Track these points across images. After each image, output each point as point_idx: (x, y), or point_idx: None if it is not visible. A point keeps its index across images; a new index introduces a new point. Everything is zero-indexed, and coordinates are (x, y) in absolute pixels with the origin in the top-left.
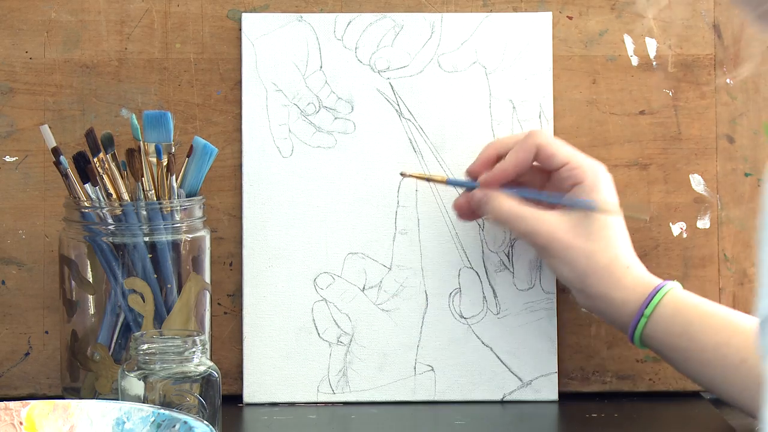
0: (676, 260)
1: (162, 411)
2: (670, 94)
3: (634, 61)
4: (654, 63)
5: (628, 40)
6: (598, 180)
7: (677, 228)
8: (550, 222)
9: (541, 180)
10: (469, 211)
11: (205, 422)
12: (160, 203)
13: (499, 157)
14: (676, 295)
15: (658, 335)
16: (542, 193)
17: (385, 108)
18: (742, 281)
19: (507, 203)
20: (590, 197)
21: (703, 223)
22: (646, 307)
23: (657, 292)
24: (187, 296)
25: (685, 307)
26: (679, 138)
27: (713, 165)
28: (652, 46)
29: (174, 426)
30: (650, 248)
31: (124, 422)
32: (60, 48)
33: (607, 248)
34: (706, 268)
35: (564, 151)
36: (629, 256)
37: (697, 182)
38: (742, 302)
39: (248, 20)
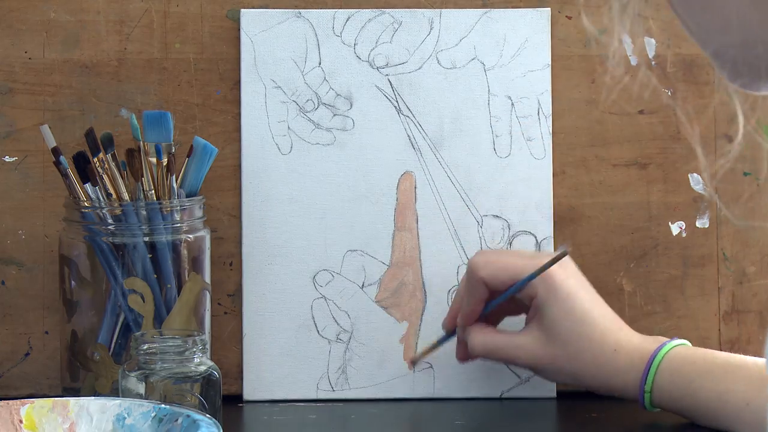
0: (675, 259)
1: (162, 405)
2: (669, 93)
3: (633, 60)
4: (653, 62)
5: (627, 40)
6: (551, 286)
7: (676, 227)
8: (525, 345)
9: None
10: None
11: (209, 416)
12: (160, 203)
13: None
14: (671, 360)
15: (664, 402)
16: (504, 294)
17: (384, 104)
18: (741, 280)
19: (480, 339)
20: (546, 305)
21: (702, 223)
22: (645, 384)
23: (650, 365)
24: (187, 296)
25: (682, 368)
26: (678, 137)
27: (712, 164)
28: (651, 46)
29: (176, 420)
30: (649, 248)
31: (125, 418)
32: (59, 48)
33: (588, 344)
34: (705, 267)
35: (507, 275)
36: (613, 340)
37: (696, 182)
38: (741, 301)
39: (247, 16)
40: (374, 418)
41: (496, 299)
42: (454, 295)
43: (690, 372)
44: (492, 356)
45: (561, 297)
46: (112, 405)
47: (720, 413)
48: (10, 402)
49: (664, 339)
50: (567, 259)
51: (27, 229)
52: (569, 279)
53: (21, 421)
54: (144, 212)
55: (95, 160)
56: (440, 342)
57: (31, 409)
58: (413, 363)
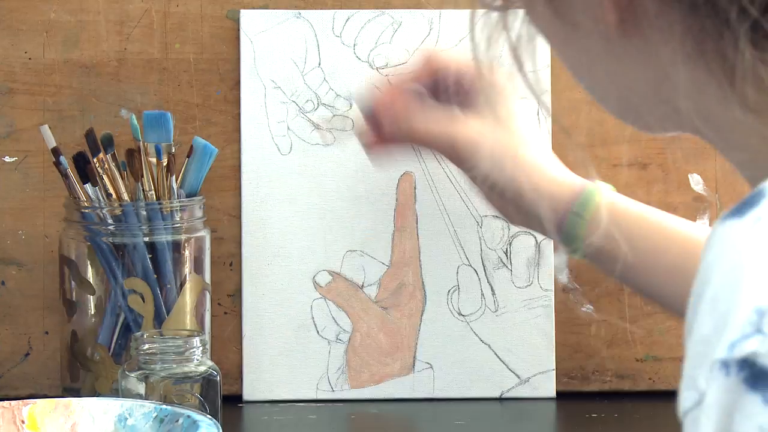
0: None
1: (164, 406)
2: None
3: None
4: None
5: None
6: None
7: None
8: (467, 120)
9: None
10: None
11: (209, 416)
12: (160, 203)
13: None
14: (609, 196)
15: (595, 237)
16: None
17: None
18: None
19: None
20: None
21: (702, 223)
22: (579, 206)
23: (587, 190)
24: (187, 296)
25: (620, 209)
26: (678, 137)
27: (712, 164)
28: None
29: (177, 420)
30: None
31: (126, 418)
32: (59, 48)
33: (530, 137)
34: None
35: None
36: (553, 161)
37: (696, 182)
38: None
39: (247, 17)
40: (374, 418)
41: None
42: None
43: (627, 216)
44: (425, 137)
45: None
46: (113, 405)
47: (650, 271)
48: (13, 402)
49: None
50: None
51: (27, 229)
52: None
53: (23, 422)
54: (144, 212)
55: (95, 160)
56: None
57: (33, 410)
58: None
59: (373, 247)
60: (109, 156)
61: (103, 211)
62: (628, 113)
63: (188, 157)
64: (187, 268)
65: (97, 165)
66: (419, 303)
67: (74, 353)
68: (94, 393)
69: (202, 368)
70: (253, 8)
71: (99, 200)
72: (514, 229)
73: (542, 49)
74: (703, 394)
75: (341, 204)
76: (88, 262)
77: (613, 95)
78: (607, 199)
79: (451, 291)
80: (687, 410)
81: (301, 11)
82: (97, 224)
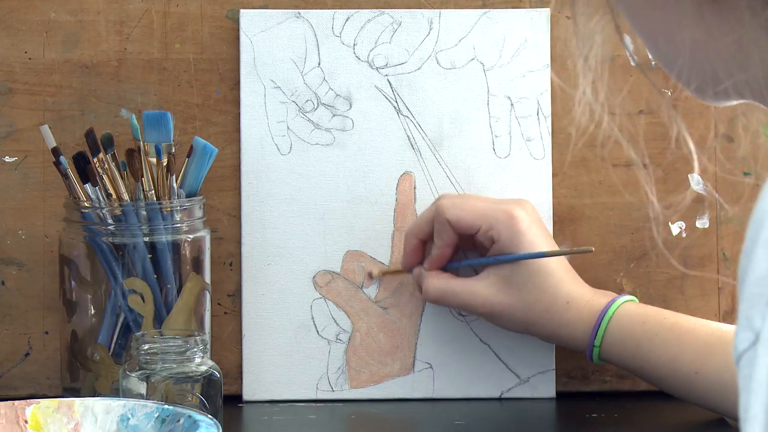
0: (675, 260)
1: (166, 406)
2: (669, 93)
3: (633, 60)
4: (653, 63)
5: (627, 40)
6: (514, 231)
7: (676, 227)
8: (480, 291)
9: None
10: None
11: (209, 416)
12: (160, 203)
13: (423, 241)
14: (621, 318)
15: (613, 359)
16: (477, 259)
17: (384, 105)
18: None
19: (435, 283)
20: (511, 250)
21: (702, 223)
22: (595, 338)
23: (600, 321)
24: (187, 296)
25: (632, 328)
26: (678, 137)
27: (712, 164)
28: None
29: (179, 420)
30: (649, 248)
31: (129, 418)
32: (59, 48)
33: (542, 294)
34: (705, 267)
35: (472, 216)
36: (567, 291)
37: (696, 182)
38: None
39: (246, 17)
40: (374, 418)
41: (473, 260)
42: (405, 233)
43: (639, 333)
44: (446, 302)
45: (523, 245)
46: (116, 405)
47: (669, 380)
48: (16, 402)
49: (614, 294)
50: (530, 205)
51: (27, 229)
52: (532, 227)
53: (26, 421)
54: (144, 212)
55: (95, 160)
56: (410, 271)
57: (36, 410)
58: (371, 277)
59: (373, 247)
60: (109, 156)
61: (103, 211)
62: (707, 82)
63: (188, 157)
64: (187, 268)
65: (97, 165)
66: (419, 303)
67: (74, 353)
68: (94, 393)
69: (203, 368)
70: (253, 8)
71: (99, 200)
72: None
73: (543, 49)
74: (759, 332)
75: (341, 204)
76: (88, 262)
77: (690, 63)
78: (617, 321)
79: None
80: (742, 352)
81: (300, 11)
82: (97, 224)
